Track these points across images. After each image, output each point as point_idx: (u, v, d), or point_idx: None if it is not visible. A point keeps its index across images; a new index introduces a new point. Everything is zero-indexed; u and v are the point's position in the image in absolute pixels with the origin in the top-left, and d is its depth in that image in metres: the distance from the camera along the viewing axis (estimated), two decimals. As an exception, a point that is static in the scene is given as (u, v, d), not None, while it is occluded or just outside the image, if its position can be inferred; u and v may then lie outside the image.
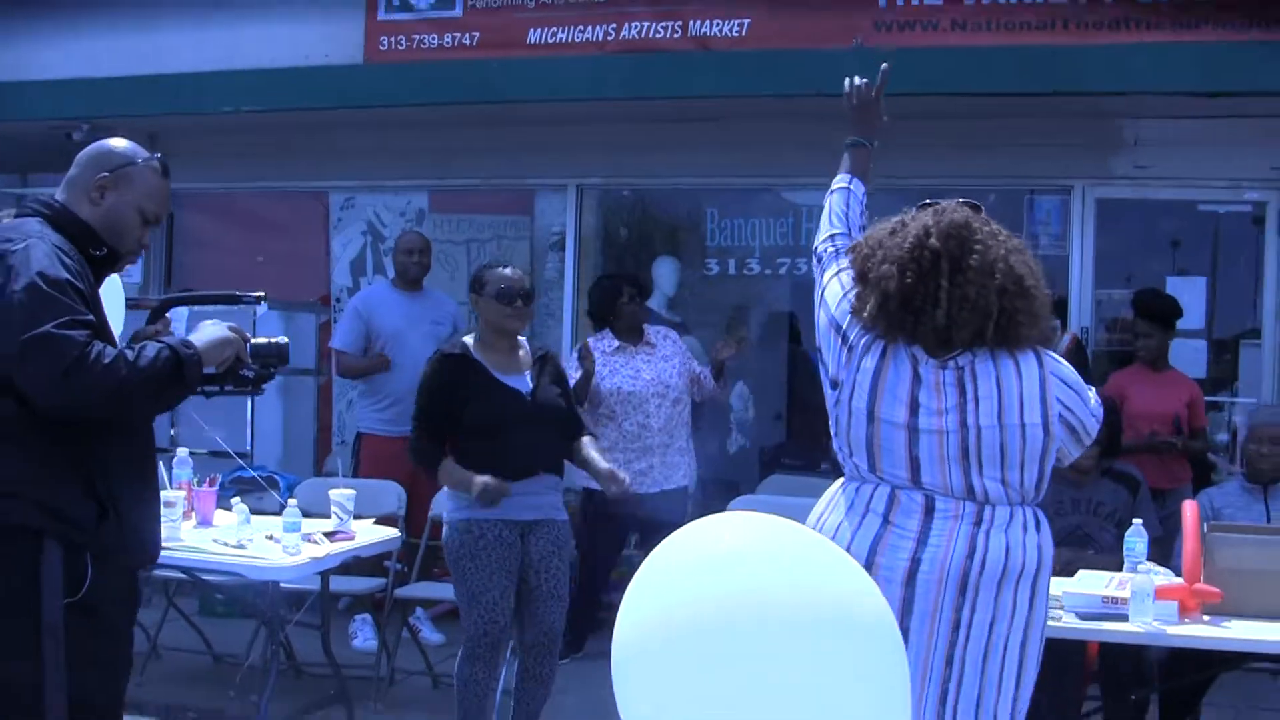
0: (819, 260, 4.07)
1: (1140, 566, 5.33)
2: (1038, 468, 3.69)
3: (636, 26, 9.19)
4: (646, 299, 8.51)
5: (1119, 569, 5.51)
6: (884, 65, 4.37)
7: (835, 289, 3.91)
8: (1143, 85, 8.21)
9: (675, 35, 9.16)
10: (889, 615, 1.99)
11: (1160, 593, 5.06)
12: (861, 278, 3.76)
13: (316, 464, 10.20)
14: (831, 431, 3.86)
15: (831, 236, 4.09)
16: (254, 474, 8.11)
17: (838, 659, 1.86)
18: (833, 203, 4.20)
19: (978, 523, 3.65)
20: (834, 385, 3.81)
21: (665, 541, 2.24)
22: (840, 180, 4.26)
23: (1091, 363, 8.62)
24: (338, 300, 10.42)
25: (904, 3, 8.87)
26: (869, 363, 3.74)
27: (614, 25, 9.24)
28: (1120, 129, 9.06)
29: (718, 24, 9.06)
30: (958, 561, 3.60)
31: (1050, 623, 4.87)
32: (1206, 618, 5.16)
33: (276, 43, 9.82)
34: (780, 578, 1.95)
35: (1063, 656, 5.26)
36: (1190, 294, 8.76)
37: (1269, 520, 6.39)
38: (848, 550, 3.59)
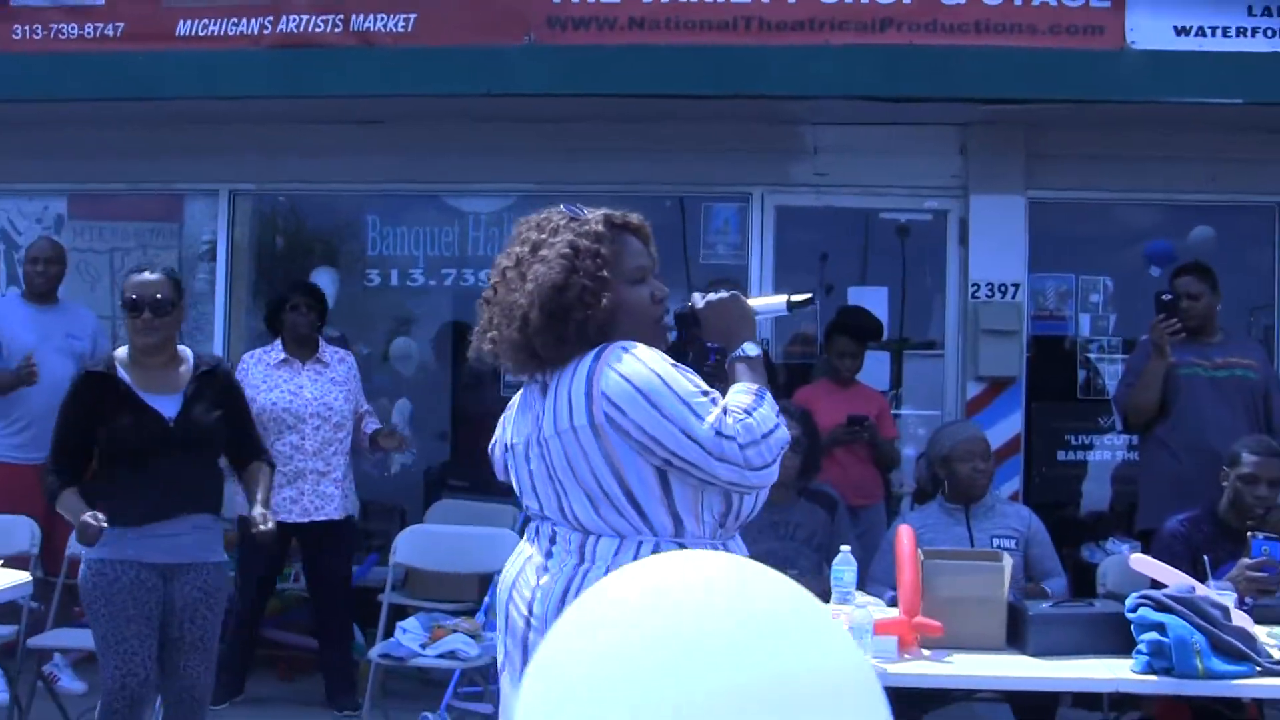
0: None
1: (855, 598, 4.93)
2: (619, 486, 3.18)
3: (295, 20, 8.49)
4: (324, 312, 7.91)
5: (824, 597, 5.12)
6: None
7: None
8: (825, 89, 8.02)
9: (337, 30, 8.48)
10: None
11: (878, 627, 4.68)
12: None
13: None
14: None
15: None
16: None
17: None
18: None
19: (580, 560, 3.23)
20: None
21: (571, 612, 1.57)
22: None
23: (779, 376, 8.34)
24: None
25: (579, -1, 8.44)
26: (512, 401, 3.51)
27: (270, 18, 8.53)
28: (800, 135, 8.84)
29: (382, 19, 8.43)
30: (555, 604, 3.20)
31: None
32: (927, 653, 4.81)
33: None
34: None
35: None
36: (873, 303, 8.58)
37: (972, 542, 6.11)
38: (497, 588, 3.47)
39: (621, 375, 3.13)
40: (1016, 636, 4.95)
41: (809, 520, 6.14)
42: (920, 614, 4.84)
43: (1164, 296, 7.01)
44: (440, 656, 6.56)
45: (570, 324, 3.19)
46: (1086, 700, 6.22)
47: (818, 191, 8.86)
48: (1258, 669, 4.61)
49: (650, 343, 3.27)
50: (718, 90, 7.98)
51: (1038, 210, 8.79)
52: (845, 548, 5.18)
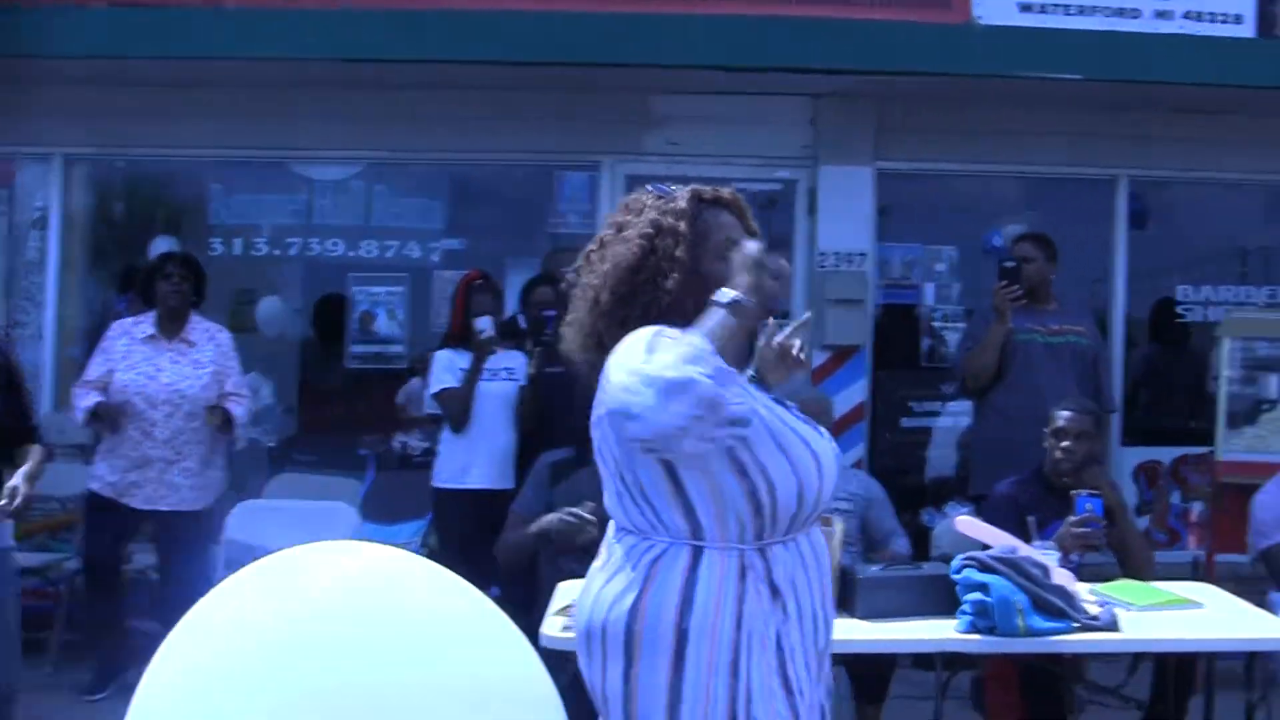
0: None
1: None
2: (624, 483, 3.07)
3: (135, -23, 8.29)
4: (200, 284, 7.43)
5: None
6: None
7: None
8: (676, 59, 7.99)
9: (181, -11, 8.29)
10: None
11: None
12: None
13: None
14: None
15: None
16: None
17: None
18: None
19: (604, 559, 3.14)
20: None
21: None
22: None
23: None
24: None
25: (429, -39, 8.31)
26: None
27: (109, -25, 8.32)
28: (651, 104, 8.84)
29: (227, -23, 8.28)
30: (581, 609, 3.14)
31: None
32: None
33: None
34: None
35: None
36: (723, 271, 8.59)
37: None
38: None
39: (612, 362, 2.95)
40: (846, 600, 5.00)
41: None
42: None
43: (1006, 264, 7.15)
44: (271, 635, 6.39)
45: (637, 306, 3.08)
46: (926, 661, 6.32)
47: (669, 161, 8.79)
48: (1075, 625, 4.72)
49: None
50: (570, 58, 7.91)
51: (886, 181, 8.87)
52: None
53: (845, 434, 8.34)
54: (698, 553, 2.99)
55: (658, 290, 3.07)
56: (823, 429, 3.22)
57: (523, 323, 7.83)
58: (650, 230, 3.12)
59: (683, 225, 3.12)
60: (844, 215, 8.69)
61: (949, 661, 6.02)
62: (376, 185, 9.03)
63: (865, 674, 5.85)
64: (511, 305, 8.13)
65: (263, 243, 9.15)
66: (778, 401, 3.17)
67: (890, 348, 9.01)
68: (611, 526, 3.17)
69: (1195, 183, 9.39)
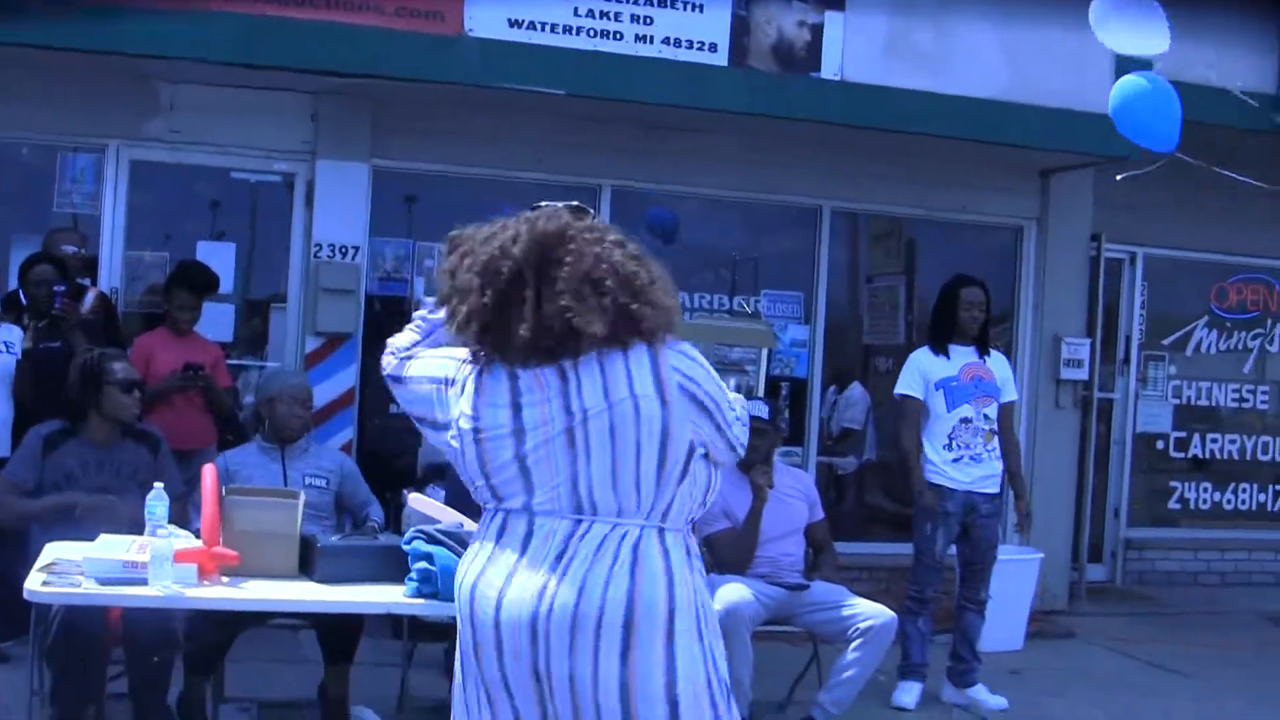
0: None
1: (160, 530, 5.36)
2: (657, 461, 3.27)
3: None
4: None
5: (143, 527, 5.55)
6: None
7: (422, 365, 3.57)
8: (179, 51, 8.23)
9: None
10: None
11: (180, 556, 5.13)
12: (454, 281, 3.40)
13: None
14: (460, 475, 3.52)
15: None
16: None
17: None
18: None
19: (560, 555, 3.25)
20: (445, 427, 3.45)
21: None
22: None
23: (122, 323, 8.58)
24: None
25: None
26: (469, 386, 3.37)
27: None
28: (156, 91, 9.03)
29: None
30: (528, 605, 3.23)
31: (70, 589, 4.93)
32: (225, 579, 5.29)
33: None
34: None
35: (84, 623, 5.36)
36: (221, 259, 8.94)
37: (285, 480, 6.66)
38: (460, 582, 3.40)
39: (683, 353, 3.37)
40: (308, 565, 5.51)
41: (134, 458, 6.50)
42: (220, 545, 5.33)
43: None
44: None
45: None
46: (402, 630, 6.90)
47: (172, 148, 9.08)
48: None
49: None
50: (75, 45, 8.04)
51: (381, 178, 9.37)
52: (159, 484, 5.59)
53: (335, 418, 8.87)
54: (664, 534, 3.36)
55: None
56: None
57: (24, 299, 7.97)
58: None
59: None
60: (339, 209, 9.15)
61: (416, 630, 6.65)
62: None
63: (332, 635, 6.34)
64: (11, 281, 8.25)
65: None
66: None
67: (380, 337, 9.23)
68: (547, 524, 3.30)
69: (673, 196, 10.27)
